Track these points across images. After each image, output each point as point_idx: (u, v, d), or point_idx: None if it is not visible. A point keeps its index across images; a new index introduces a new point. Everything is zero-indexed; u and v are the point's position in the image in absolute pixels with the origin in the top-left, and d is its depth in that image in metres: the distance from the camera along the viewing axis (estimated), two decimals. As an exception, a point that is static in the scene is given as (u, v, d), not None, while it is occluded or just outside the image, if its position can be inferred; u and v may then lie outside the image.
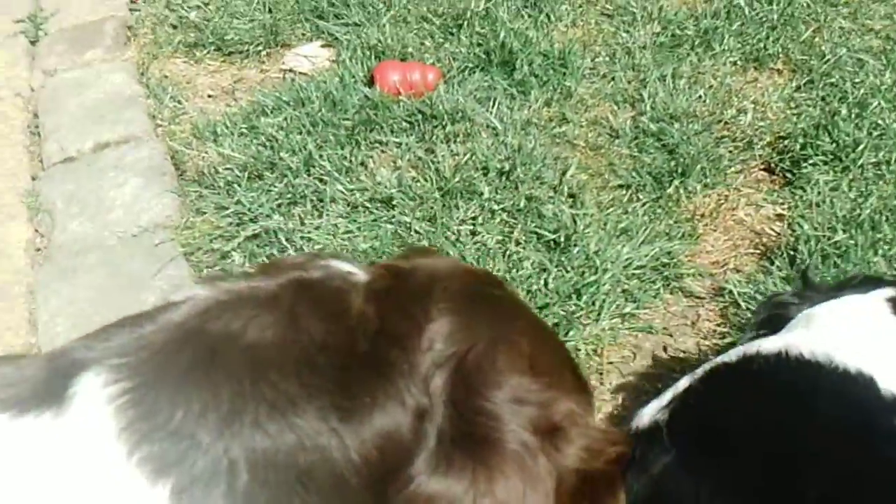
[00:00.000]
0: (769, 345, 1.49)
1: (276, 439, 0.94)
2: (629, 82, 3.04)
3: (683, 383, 1.53)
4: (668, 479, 1.36)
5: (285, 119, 3.00)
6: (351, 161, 2.79)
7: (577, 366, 1.18)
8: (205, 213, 2.73)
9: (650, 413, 1.49)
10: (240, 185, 2.76)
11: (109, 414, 0.93)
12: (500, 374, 0.99)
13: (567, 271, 2.33)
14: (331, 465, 0.95)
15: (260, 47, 3.44)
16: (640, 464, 1.39)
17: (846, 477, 1.30)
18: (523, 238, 2.47)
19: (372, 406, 0.96)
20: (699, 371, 1.53)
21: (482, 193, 2.59)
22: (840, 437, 1.35)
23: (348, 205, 2.65)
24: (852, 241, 2.29)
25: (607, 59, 3.16)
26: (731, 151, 2.74)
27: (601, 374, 2.16)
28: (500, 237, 2.48)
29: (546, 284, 2.30)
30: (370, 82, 3.13)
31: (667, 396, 1.50)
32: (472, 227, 2.51)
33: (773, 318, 1.74)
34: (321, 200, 2.66)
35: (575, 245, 2.40)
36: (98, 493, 0.91)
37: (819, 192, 2.50)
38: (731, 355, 1.54)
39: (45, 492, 0.91)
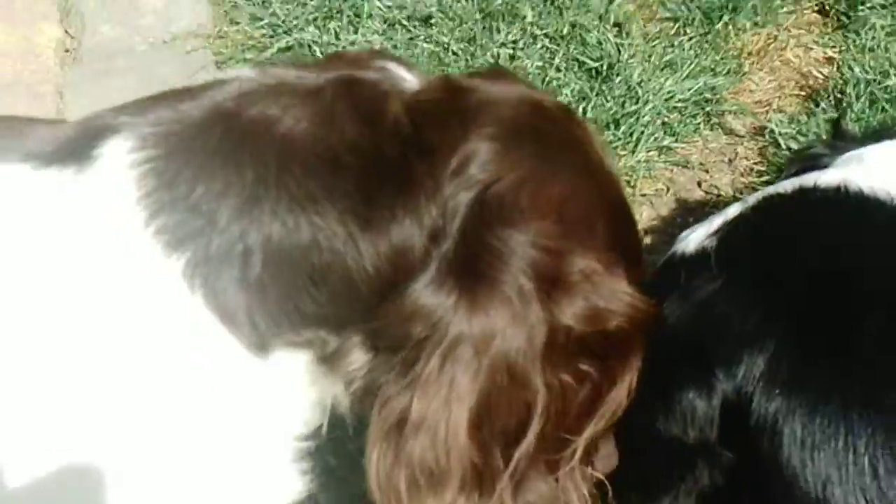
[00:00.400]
0: (827, 178, 1.44)
1: (292, 233, 0.92)
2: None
3: (734, 210, 1.46)
4: (715, 305, 1.30)
5: None
6: (392, -22, 2.70)
7: (627, 227, 1.10)
8: (238, 22, 2.66)
9: (697, 239, 1.42)
10: (276, -2, 2.68)
11: (131, 178, 0.91)
12: (519, 213, 0.93)
13: (607, 101, 2.28)
14: (344, 271, 0.93)
15: None
16: (683, 290, 1.34)
17: None
18: (564, 65, 2.40)
19: (391, 219, 0.93)
20: (751, 199, 1.47)
21: (525, 17, 2.51)
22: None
23: (385, 21, 2.57)
24: (904, 86, 2.21)
25: None
26: (785, -10, 2.63)
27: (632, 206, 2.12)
28: (540, 63, 2.41)
29: (584, 113, 2.24)
30: None
31: (716, 223, 1.43)
32: (511, 51, 2.45)
33: (807, 170, 1.68)
34: (358, 16, 2.59)
35: (617, 75, 2.33)
36: (111, 255, 0.90)
37: (874, 37, 2.40)
38: (786, 186, 1.47)
39: (56, 245, 0.90)
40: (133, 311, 0.89)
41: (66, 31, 2.81)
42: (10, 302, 0.88)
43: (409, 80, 1.02)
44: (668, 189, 2.18)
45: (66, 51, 2.76)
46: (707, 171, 2.21)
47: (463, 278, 0.92)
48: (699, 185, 2.18)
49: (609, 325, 0.98)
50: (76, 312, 0.89)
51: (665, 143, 2.24)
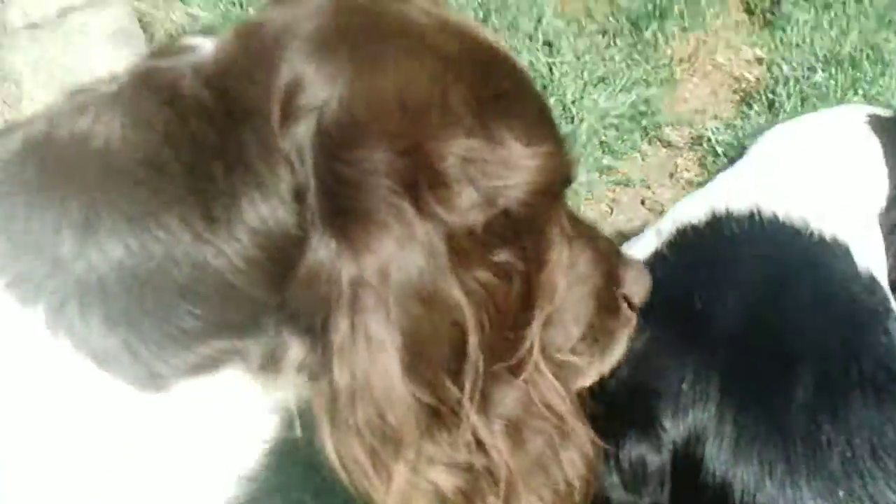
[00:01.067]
0: (738, 203, 1.45)
1: (140, 256, 0.82)
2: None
3: (649, 243, 1.46)
4: (650, 359, 1.31)
5: (253, -25, 2.90)
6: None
7: (498, 76, 0.91)
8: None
9: None
10: (209, 46, 2.69)
11: None
12: (359, 127, 0.80)
13: (543, 124, 2.29)
14: (212, 275, 0.83)
15: None
16: None
17: (833, 370, 1.30)
18: (499, 90, 2.41)
19: (238, 204, 0.81)
20: (664, 228, 1.47)
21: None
22: (823, 328, 1.34)
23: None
24: (832, 81, 2.25)
25: None
26: (710, -8, 2.65)
27: (579, 229, 2.14)
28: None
29: (521, 138, 2.25)
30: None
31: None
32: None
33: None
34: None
35: (551, 95, 2.35)
36: None
37: (799, 32, 2.44)
38: (699, 214, 1.46)
39: None
40: (6, 374, 0.82)
41: (4, 101, 2.81)
42: None
43: (209, 49, 0.88)
44: (612, 210, 2.20)
45: (6, 120, 2.75)
46: (649, 188, 2.23)
47: (333, 222, 0.80)
48: (643, 202, 2.20)
49: (509, 204, 0.85)
50: None
51: (605, 162, 2.26)
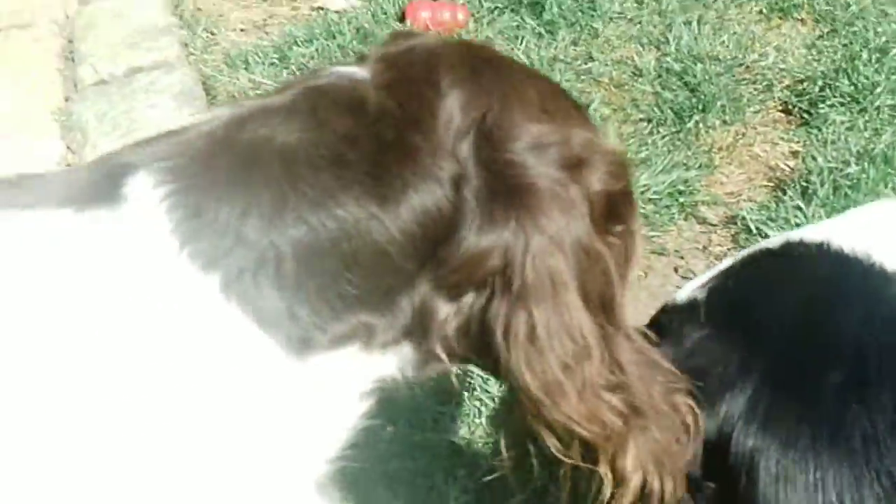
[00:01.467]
0: (812, 235, 1.56)
1: (318, 231, 0.99)
2: (655, 26, 3.09)
3: (724, 264, 1.58)
4: (701, 351, 1.39)
5: (316, 49, 3.06)
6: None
7: (579, 103, 1.24)
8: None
9: (688, 290, 1.53)
10: (269, 109, 2.81)
11: (161, 211, 0.98)
12: (517, 126, 1.05)
13: (585, 196, 2.39)
14: (374, 246, 1.02)
15: (293, -16, 3.51)
16: (675, 336, 1.46)
17: (869, 367, 1.35)
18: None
19: (405, 188, 1.02)
20: (741, 254, 1.59)
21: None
22: (869, 331, 1.40)
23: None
24: (864, 174, 2.34)
25: (635, 4, 3.21)
26: (750, 92, 2.79)
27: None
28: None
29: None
30: (401, 19, 3.19)
31: (706, 275, 1.55)
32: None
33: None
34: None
35: (595, 171, 2.45)
36: (154, 282, 0.96)
37: (834, 131, 2.55)
38: (774, 241, 1.57)
39: (103, 279, 0.96)
40: (177, 329, 0.96)
41: (68, 147, 2.93)
42: (66, 324, 0.95)
43: (358, 71, 1.11)
44: (646, 274, 2.27)
45: (68, 164, 2.87)
46: (682, 258, 2.32)
47: (509, 199, 1.03)
48: (675, 270, 2.28)
49: (620, 184, 1.12)
50: (124, 333, 0.95)
51: (642, 232, 2.34)
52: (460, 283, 1.05)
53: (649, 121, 2.71)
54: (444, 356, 1.10)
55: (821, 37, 2.99)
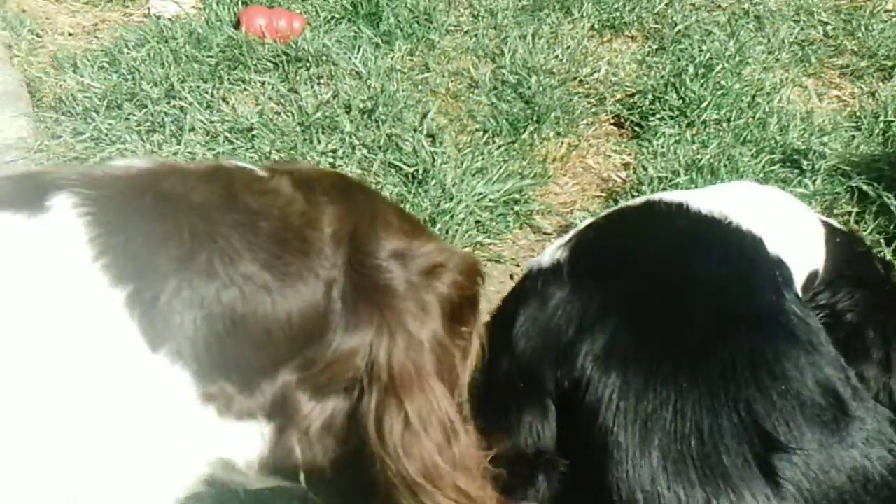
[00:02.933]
0: (671, 196, 1.66)
1: (222, 284, 1.07)
2: (490, 39, 3.14)
3: (585, 222, 1.69)
4: (563, 305, 1.49)
5: (148, 53, 2.99)
6: (213, 95, 2.80)
7: (430, 230, 1.39)
8: (60, 136, 2.70)
9: (550, 252, 1.63)
10: (98, 113, 2.74)
11: (80, 224, 1.03)
12: (382, 239, 1.19)
13: (423, 201, 2.40)
14: (260, 320, 1.10)
15: (125, -10, 3.42)
16: (539, 297, 1.53)
17: (728, 306, 1.47)
18: (382, 170, 2.53)
19: (299, 275, 1.12)
20: (602, 212, 1.69)
21: (344, 129, 2.64)
22: (727, 276, 1.52)
23: (208, 134, 2.66)
24: (693, 184, 2.42)
25: (471, 17, 3.26)
26: (584, 105, 2.86)
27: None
28: (359, 169, 2.54)
29: (402, 213, 2.35)
30: (236, 25, 3.15)
31: (568, 235, 1.65)
32: (332, 160, 2.56)
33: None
34: (180, 129, 2.67)
35: (432, 178, 2.47)
36: (62, 282, 1.01)
37: (664, 143, 2.63)
38: (635, 201, 1.72)
39: (13, 273, 1.00)
40: (77, 329, 1.00)
41: None
42: None
43: (256, 169, 1.23)
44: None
45: None
46: (518, 265, 2.34)
47: (374, 297, 1.15)
48: (511, 277, 2.30)
49: (471, 289, 1.28)
50: (18, 324, 0.99)
51: (479, 239, 2.37)
52: (328, 383, 1.15)
53: (485, 131, 2.74)
54: (298, 452, 1.17)
55: (650, 53, 3.09)
